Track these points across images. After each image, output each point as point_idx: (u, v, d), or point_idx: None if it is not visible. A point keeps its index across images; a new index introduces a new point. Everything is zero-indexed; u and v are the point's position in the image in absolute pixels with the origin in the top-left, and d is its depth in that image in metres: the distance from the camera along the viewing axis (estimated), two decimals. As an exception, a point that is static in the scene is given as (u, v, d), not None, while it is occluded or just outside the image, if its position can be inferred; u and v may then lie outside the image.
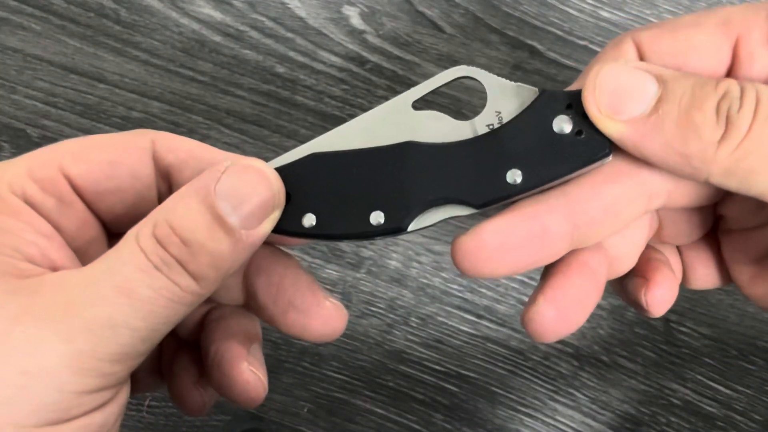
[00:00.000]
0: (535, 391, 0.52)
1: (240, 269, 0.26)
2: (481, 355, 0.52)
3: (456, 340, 0.52)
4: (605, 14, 0.53)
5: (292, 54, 0.52)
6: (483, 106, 0.23)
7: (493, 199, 0.22)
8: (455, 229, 0.48)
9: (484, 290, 0.52)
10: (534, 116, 0.22)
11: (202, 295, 0.22)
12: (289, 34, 0.53)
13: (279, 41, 0.53)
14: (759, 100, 0.20)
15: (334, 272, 0.52)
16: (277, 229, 0.23)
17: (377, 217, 0.22)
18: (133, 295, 0.21)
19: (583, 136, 0.22)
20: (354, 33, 0.52)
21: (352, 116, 0.52)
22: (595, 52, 0.40)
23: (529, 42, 0.53)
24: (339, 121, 0.52)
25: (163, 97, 0.52)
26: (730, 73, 0.23)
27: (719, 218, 0.26)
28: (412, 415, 0.52)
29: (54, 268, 0.22)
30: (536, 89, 0.22)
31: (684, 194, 0.24)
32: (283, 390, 0.51)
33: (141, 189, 0.25)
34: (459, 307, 0.52)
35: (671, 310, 0.52)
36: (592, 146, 0.22)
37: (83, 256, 0.25)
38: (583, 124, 0.22)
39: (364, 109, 0.52)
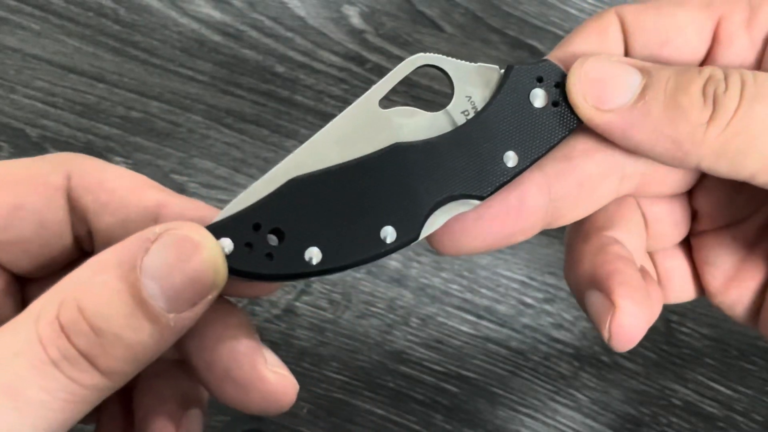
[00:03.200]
0: (535, 392, 0.51)
1: None
2: (481, 355, 0.52)
3: (456, 340, 0.52)
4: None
5: (291, 53, 0.52)
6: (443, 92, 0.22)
7: (497, 186, 0.21)
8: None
9: (484, 290, 0.52)
10: (510, 95, 0.22)
11: (110, 389, 0.18)
12: (289, 34, 0.52)
13: (278, 41, 0.52)
14: (744, 81, 0.20)
15: (334, 272, 0.52)
16: (273, 276, 0.20)
17: (388, 233, 0.20)
18: (20, 397, 0.17)
19: (561, 106, 0.22)
20: (354, 32, 0.52)
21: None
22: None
23: (530, 42, 0.52)
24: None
25: (163, 96, 0.52)
26: (709, 53, 0.23)
27: (693, 218, 0.26)
28: (412, 416, 0.52)
29: None
30: (496, 66, 0.22)
31: (657, 179, 0.24)
32: (283, 390, 0.51)
33: (50, 238, 0.21)
34: (459, 308, 0.52)
35: (672, 311, 0.52)
36: (570, 113, 0.22)
37: None
38: (558, 94, 0.22)
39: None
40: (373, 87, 0.22)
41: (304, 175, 0.20)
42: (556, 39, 0.52)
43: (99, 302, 0.17)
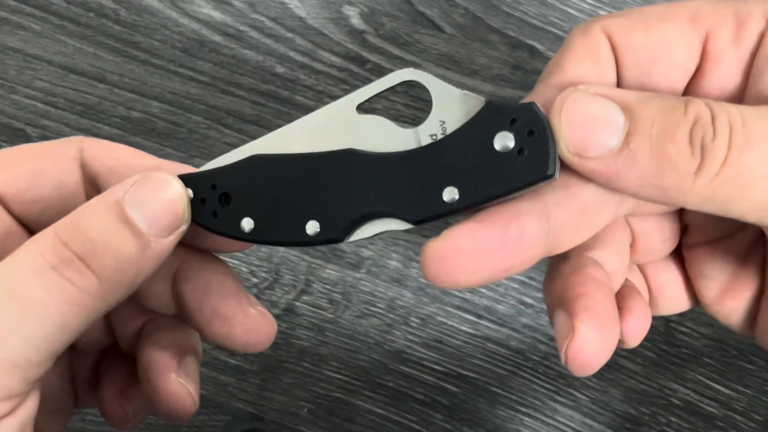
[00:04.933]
0: (535, 391, 0.52)
1: (167, 277, 0.25)
2: (480, 355, 0.52)
3: (456, 340, 0.52)
4: (605, 14, 0.53)
5: (291, 54, 0.52)
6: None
7: (427, 216, 0.21)
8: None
9: (483, 290, 0.52)
10: (475, 131, 0.21)
11: (103, 298, 0.21)
12: (289, 34, 0.53)
13: (279, 41, 0.53)
14: (732, 126, 0.20)
15: (334, 272, 0.52)
16: (215, 230, 0.23)
17: (313, 227, 0.22)
18: (21, 296, 0.19)
19: (525, 155, 0.20)
20: (354, 33, 0.52)
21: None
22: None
23: (529, 42, 0.53)
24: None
25: (163, 96, 0.52)
26: (698, 69, 0.22)
27: (684, 231, 0.26)
28: (412, 415, 0.52)
29: None
30: (483, 99, 0.21)
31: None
32: (283, 390, 0.51)
33: (66, 198, 0.25)
34: (459, 307, 0.52)
35: (671, 310, 0.52)
36: (534, 167, 0.20)
37: None
38: (526, 142, 0.20)
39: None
40: (358, 90, 0.22)
41: (265, 155, 0.23)
42: (556, 39, 0.52)
43: (92, 220, 0.21)
